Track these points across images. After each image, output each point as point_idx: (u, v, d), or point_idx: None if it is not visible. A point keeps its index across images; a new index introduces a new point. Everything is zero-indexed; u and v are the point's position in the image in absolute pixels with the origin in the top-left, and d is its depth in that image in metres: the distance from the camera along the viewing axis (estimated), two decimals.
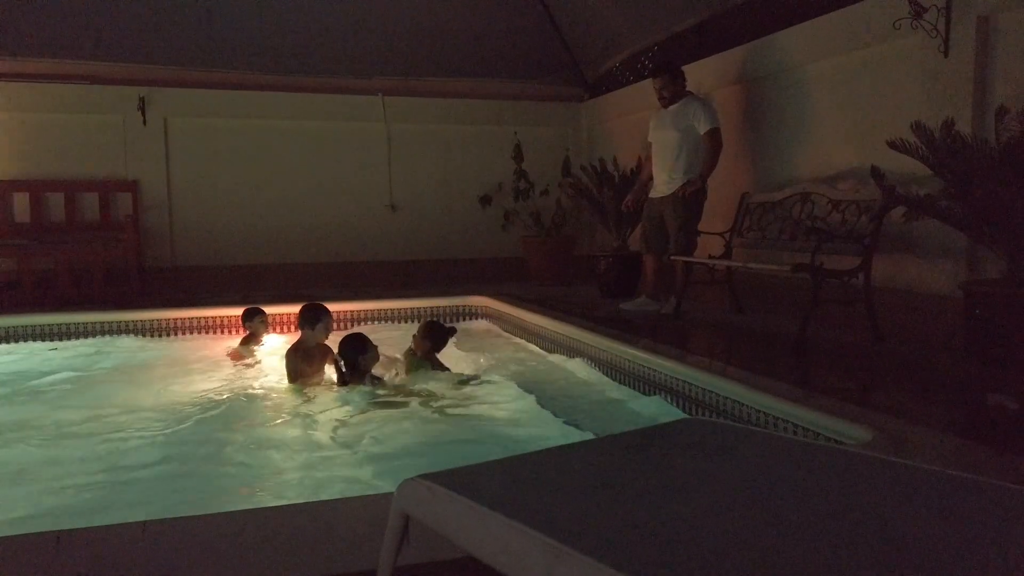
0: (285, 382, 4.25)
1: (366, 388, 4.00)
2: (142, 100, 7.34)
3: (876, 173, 4.09)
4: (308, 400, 4.01)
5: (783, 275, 4.45)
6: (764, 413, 3.06)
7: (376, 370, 4.16)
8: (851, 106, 5.00)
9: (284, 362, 4.27)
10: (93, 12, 7.04)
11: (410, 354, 4.29)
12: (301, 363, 4.19)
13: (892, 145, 3.90)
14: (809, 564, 1.00)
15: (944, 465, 1.89)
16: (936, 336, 4.07)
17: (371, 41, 7.86)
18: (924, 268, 4.43)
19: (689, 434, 1.57)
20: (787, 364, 3.82)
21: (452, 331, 4.46)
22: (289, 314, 5.62)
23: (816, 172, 5.20)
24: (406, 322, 6.23)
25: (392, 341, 4.95)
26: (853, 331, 4.42)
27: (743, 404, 3.21)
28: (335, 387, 4.05)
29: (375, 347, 4.13)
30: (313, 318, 4.24)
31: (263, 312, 5.31)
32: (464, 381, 4.14)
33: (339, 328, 6.02)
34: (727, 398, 3.32)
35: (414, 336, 4.36)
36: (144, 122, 7.39)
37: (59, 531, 1.81)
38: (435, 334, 4.33)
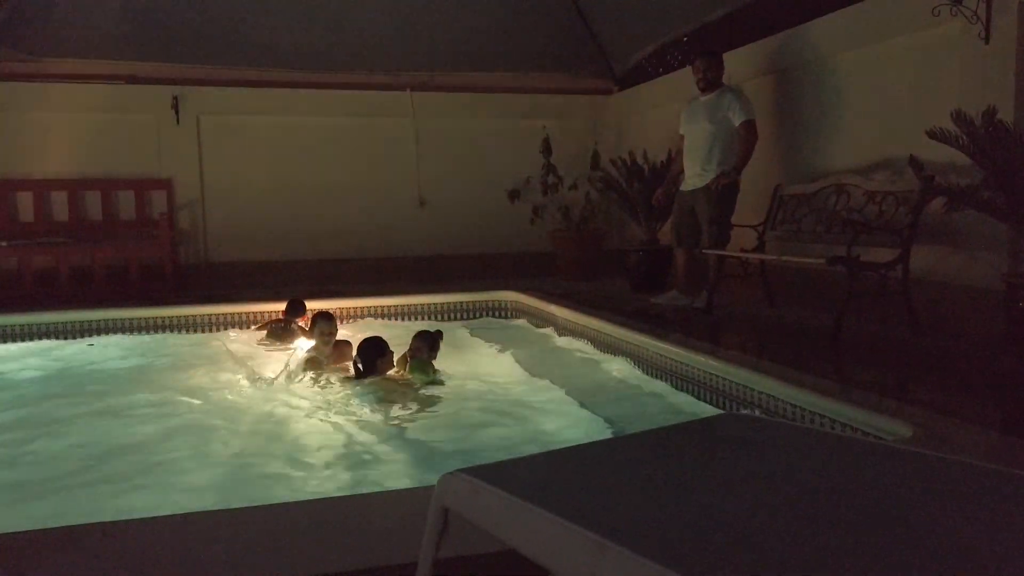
0: (317, 377, 4.32)
1: (379, 381, 4.03)
2: (175, 99, 7.44)
3: (915, 163, 4.01)
4: (338, 394, 4.04)
5: (818, 268, 4.38)
6: (800, 408, 3.03)
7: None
8: (887, 95, 4.90)
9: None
10: (127, 13, 7.15)
11: (406, 359, 4.29)
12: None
13: (931, 135, 3.82)
14: (852, 560, 0.98)
15: (987, 461, 1.86)
16: (977, 330, 3.99)
17: (399, 37, 7.88)
18: (964, 260, 4.33)
19: (730, 429, 1.55)
20: (823, 358, 3.77)
21: (439, 334, 4.45)
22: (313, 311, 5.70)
23: (851, 163, 5.12)
24: (434, 318, 6.24)
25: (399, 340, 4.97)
26: (891, 325, 4.34)
27: (778, 399, 3.17)
28: (364, 381, 4.09)
29: (392, 352, 4.18)
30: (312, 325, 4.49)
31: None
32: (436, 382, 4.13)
33: (367, 321, 6.12)
34: (762, 393, 3.28)
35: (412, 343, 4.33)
36: (177, 121, 7.50)
37: (104, 523, 1.85)
38: (429, 340, 4.31)
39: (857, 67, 5.14)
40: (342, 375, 4.27)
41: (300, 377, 4.29)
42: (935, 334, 4.15)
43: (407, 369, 4.20)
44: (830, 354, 3.87)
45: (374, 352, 4.12)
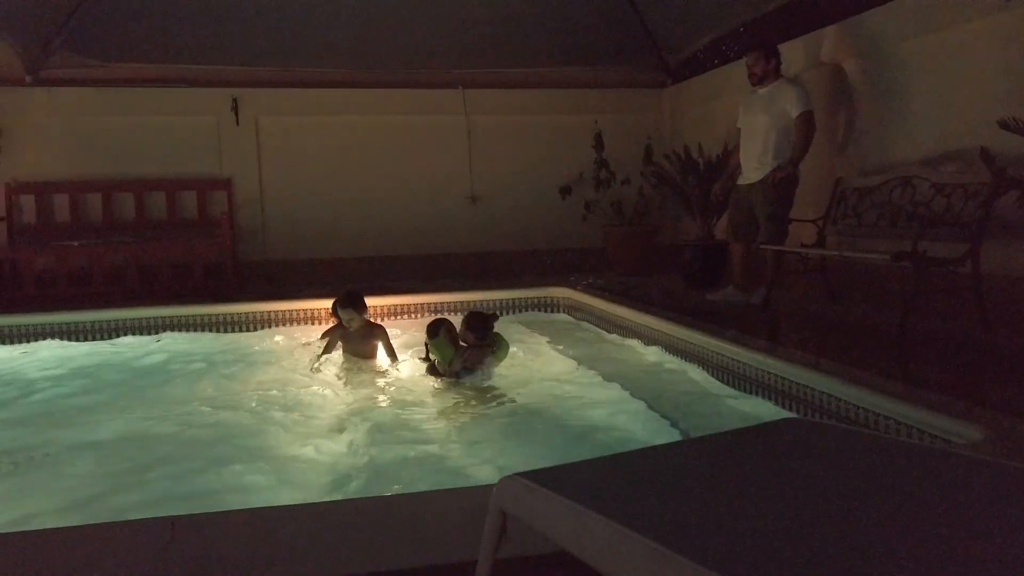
0: (373, 373, 4.40)
1: (450, 379, 4.07)
2: (235, 101, 7.64)
3: (986, 155, 3.85)
4: (392, 389, 4.10)
5: (882, 264, 4.24)
6: (864, 409, 2.94)
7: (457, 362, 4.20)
8: (955, 84, 4.71)
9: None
10: (188, 18, 7.36)
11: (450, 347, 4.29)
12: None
13: (1003, 125, 3.66)
14: (918, 572, 0.95)
15: None
16: None
17: (451, 34, 7.91)
18: None
19: (791, 435, 1.52)
20: (888, 358, 3.65)
21: (494, 317, 4.40)
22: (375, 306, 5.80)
23: (917, 155, 4.94)
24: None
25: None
26: (960, 323, 4.18)
27: (840, 400, 3.09)
28: (428, 376, 4.17)
29: (451, 337, 4.17)
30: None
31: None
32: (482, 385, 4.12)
33: (422, 318, 6.18)
34: (824, 393, 3.20)
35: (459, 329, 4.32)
36: (237, 122, 7.69)
37: (174, 517, 1.91)
38: (476, 324, 4.26)
39: (922, 55, 4.96)
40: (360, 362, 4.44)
41: (318, 362, 4.50)
42: (1007, 332, 3.98)
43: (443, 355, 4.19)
44: (895, 353, 3.75)
45: (429, 332, 4.19)
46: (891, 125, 5.23)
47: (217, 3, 7.35)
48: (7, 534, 1.91)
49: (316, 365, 4.54)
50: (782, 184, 5.14)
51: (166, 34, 7.42)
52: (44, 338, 5.60)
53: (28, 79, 7.22)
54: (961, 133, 4.63)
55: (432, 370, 4.20)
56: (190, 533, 1.86)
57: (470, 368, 4.14)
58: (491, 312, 4.60)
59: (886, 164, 5.13)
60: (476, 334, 4.21)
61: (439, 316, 4.54)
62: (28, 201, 7.26)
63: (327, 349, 4.67)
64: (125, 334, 5.74)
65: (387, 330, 4.76)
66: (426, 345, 4.26)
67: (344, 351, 4.65)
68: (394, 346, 4.68)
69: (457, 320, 4.37)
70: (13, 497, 2.77)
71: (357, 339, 4.64)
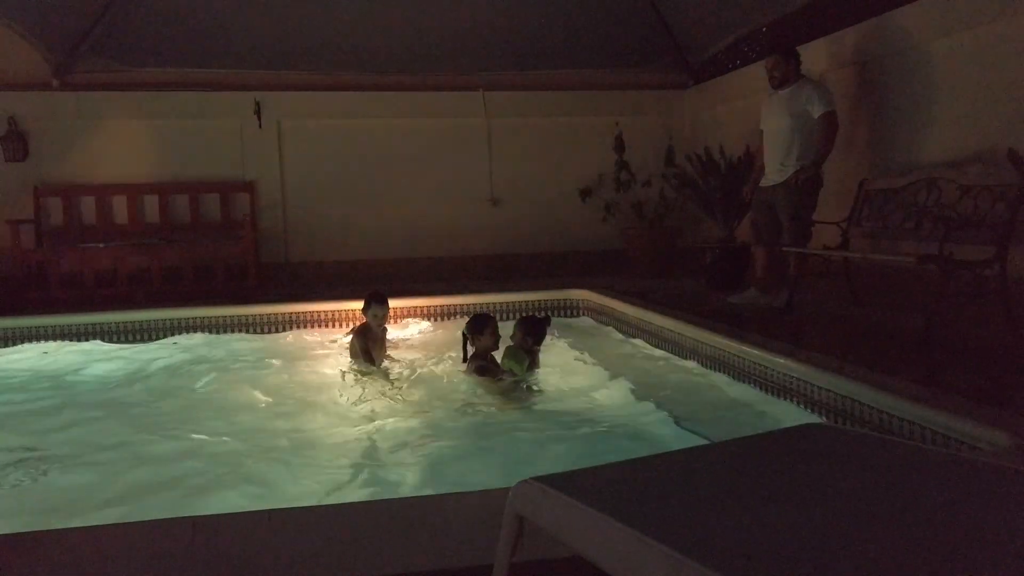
0: (396, 370, 4.42)
1: (472, 379, 4.06)
2: (258, 104, 7.71)
3: (1013, 156, 3.78)
4: (416, 390, 4.11)
5: (907, 266, 4.18)
6: (887, 414, 2.90)
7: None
8: (983, 85, 4.63)
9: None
10: (212, 22, 7.44)
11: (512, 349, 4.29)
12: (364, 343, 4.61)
13: None
14: None
15: None
16: None
17: (471, 37, 7.93)
18: None
19: (812, 440, 1.49)
20: (912, 362, 3.59)
21: (547, 320, 4.42)
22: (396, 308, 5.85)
23: (942, 156, 4.86)
24: (506, 317, 6.25)
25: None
26: (987, 327, 4.10)
27: (863, 404, 3.05)
28: (457, 374, 4.19)
29: (495, 335, 4.18)
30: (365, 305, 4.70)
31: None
32: (529, 385, 4.10)
33: (443, 321, 6.21)
34: (846, 397, 3.16)
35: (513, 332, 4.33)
36: (260, 125, 7.76)
37: (195, 517, 1.93)
38: (530, 327, 4.28)
39: (950, 55, 4.88)
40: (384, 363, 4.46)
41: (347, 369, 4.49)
42: None
43: (502, 361, 4.19)
44: (920, 357, 3.69)
45: (472, 327, 4.20)
46: (916, 126, 5.16)
47: (240, 8, 7.43)
48: (38, 532, 1.94)
49: (354, 368, 4.56)
50: (806, 185, 5.09)
51: (190, 38, 7.51)
52: (83, 339, 5.68)
53: (55, 83, 7.35)
54: (988, 134, 4.55)
55: (481, 370, 4.15)
56: (211, 533, 1.88)
57: (531, 370, 4.18)
58: (544, 315, 4.63)
59: (911, 165, 5.06)
60: (535, 339, 4.24)
61: (481, 312, 4.53)
62: (55, 203, 7.38)
63: (366, 355, 4.59)
64: (147, 334, 5.81)
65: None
66: (464, 345, 4.24)
67: (371, 350, 4.64)
68: (419, 346, 4.81)
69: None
70: (34, 497, 2.81)
71: (381, 337, 4.72)
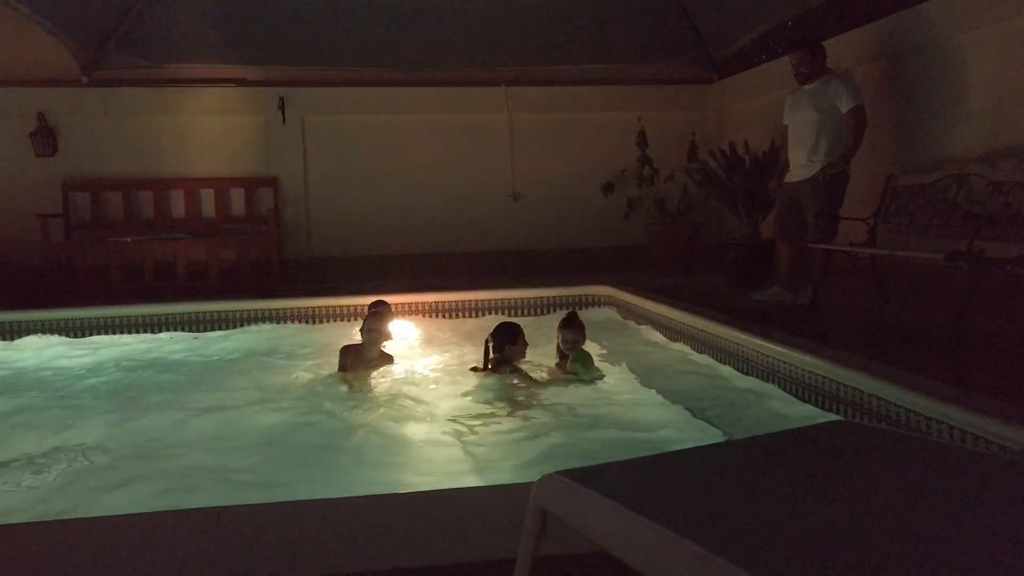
0: (418, 369, 4.42)
1: (504, 377, 4.04)
2: (282, 100, 7.76)
3: None
4: (441, 387, 4.11)
5: (936, 263, 4.10)
6: (915, 413, 2.85)
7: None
8: (1013, 78, 4.54)
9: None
10: (237, 19, 7.50)
11: (560, 352, 4.23)
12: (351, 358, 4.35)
13: None
14: None
15: None
16: None
17: (493, 32, 7.92)
18: None
19: (840, 438, 1.47)
20: (941, 360, 3.54)
21: (574, 315, 4.34)
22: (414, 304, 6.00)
23: (973, 151, 4.77)
24: (528, 312, 6.25)
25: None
26: (1018, 325, 4.03)
27: (891, 403, 3.00)
28: (476, 373, 4.15)
29: (526, 343, 4.14)
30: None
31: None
32: (589, 381, 4.06)
33: (464, 317, 6.21)
34: (872, 396, 3.11)
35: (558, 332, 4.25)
36: (284, 121, 7.81)
37: (220, 507, 1.94)
38: (575, 324, 4.19)
39: (979, 49, 4.79)
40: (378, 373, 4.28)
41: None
42: None
43: (568, 363, 4.09)
44: (949, 355, 3.63)
45: (502, 338, 4.08)
46: (946, 120, 5.07)
47: (264, 4, 7.48)
48: (68, 520, 1.97)
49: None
50: (832, 181, 5.02)
51: (215, 35, 7.58)
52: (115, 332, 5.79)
53: (84, 80, 7.44)
54: (1020, 128, 4.46)
55: (486, 358, 4.11)
56: (235, 523, 1.89)
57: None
58: (571, 311, 4.57)
59: (940, 160, 4.97)
60: (581, 336, 4.17)
61: (507, 321, 4.40)
62: (83, 198, 7.49)
63: (342, 369, 4.36)
64: (168, 328, 5.88)
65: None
66: (486, 352, 4.13)
67: (349, 368, 4.42)
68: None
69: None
70: (62, 487, 2.85)
71: (371, 357, 4.46)
